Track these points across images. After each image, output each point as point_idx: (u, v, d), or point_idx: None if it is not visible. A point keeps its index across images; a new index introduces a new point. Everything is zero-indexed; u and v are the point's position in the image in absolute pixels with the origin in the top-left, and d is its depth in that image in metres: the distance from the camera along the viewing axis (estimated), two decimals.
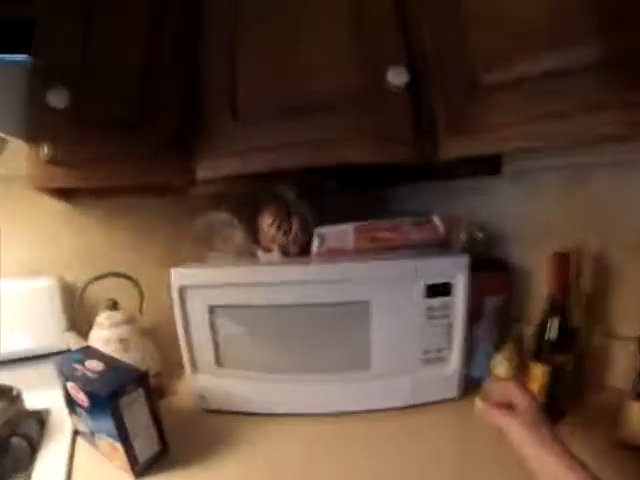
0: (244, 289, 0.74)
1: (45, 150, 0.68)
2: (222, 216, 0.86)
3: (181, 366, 0.81)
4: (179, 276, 0.74)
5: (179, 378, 0.90)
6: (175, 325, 0.78)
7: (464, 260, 0.72)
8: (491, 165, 0.89)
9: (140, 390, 0.62)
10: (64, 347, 0.88)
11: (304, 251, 0.84)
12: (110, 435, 0.61)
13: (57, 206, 0.96)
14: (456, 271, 0.72)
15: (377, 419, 0.75)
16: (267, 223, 0.85)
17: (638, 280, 0.72)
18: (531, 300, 0.89)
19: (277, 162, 0.73)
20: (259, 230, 0.87)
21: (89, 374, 0.64)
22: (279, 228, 0.83)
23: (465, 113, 0.63)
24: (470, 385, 0.79)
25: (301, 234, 0.84)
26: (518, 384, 0.52)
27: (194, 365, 0.78)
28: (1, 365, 0.88)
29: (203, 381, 0.78)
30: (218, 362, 0.77)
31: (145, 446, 0.63)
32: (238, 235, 0.85)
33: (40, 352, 0.91)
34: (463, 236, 0.82)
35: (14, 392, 0.72)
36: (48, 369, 0.82)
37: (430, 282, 0.72)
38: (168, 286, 0.76)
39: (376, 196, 1.14)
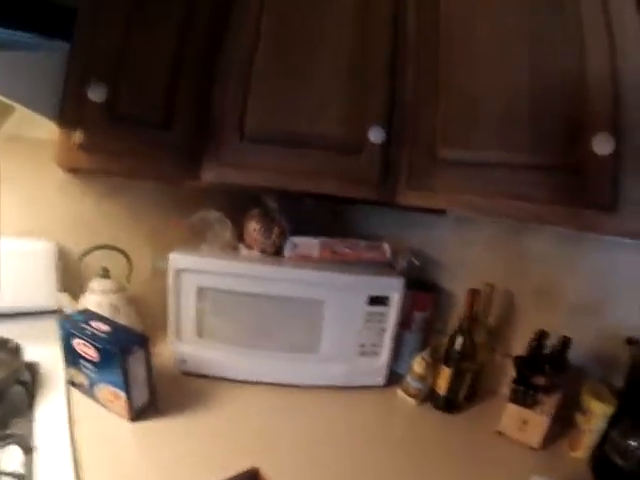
0: (229, 277, 0.92)
1: (77, 137, 0.76)
2: (215, 214, 1.01)
3: (159, 333, 0.97)
4: (177, 260, 0.90)
5: (156, 344, 1.03)
6: (155, 296, 0.95)
7: (400, 281, 0.95)
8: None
9: (141, 351, 0.77)
10: (55, 307, 0.98)
11: (278, 252, 1.02)
12: (115, 384, 0.75)
13: (59, 173, 1.01)
14: (393, 288, 0.95)
15: (318, 393, 0.96)
16: (254, 227, 1.01)
17: (532, 318, 0.97)
18: (452, 318, 1.11)
19: (271, 181, 0.89)
20: (245, 230, 1.03)
21: (98, 333, 0.77)
22: (263, 233, 1.00)
23: (421, 175, 0.83)
24: (394, 378, 1.02)
25: (278, 240, 1.02)
26: None
27: (179, 334, 0.94)
28: None
29: (185, 348, 0.94)
30: (199, 333, 0.94)
31: (140, 395, 0.78)
32: (226, 232, 1.01)
33: (32, 309, 0.98)
34: (404, 261, 1.04)
35: (13, 344, 0.78)
36: (36, 326, 0.95)
37: (372, 294, 0.94)
38: (152, 263, 0.90)
39: (342, 212, 1.34)
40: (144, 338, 0.79)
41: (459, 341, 0.93)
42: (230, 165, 0.90)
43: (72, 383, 0.81)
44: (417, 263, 1.07)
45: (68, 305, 0.97)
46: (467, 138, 0.76)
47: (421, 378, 0.97)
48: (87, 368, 0.78)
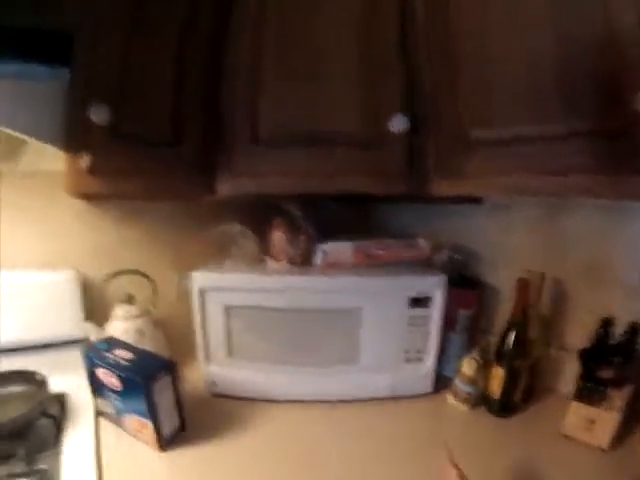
0: (256, 293, 0.86)
1: (84, 161, 0.73)
2: (237, 227, 0.97)
3: (188, 355, 0.92)
4: (200, 279, 0.85)
5: (186, 366, 1.00)
6: (182, 319, 0.90)
7: (442, 279, 0.86)
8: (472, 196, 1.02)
9: (168, 377, 0.73)
10: (81, 336, 0.96)
11: (308, 261, 0.96)
12: (141, 414, 0.71)
13: (75, 204, 1.01)
14: (435, 287, 0.86)
15: (361, 407, 0.88)
16: (280, 238, 0.96)
17: (586, 302, 0.88)
18: (498, 314, 1.03)
19: (291, 186, 0.83)
20: (270, 242, 0.98)
21: (121, 361, 0.73)
22: (289, 243, 0.94)
23: (451, 161, 0.75)
24: (441, 382, 0.94)
25: (306, 248, 0.96)
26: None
27: (208, 355, 0.89)
28: (21, 352, 0.93)
29: (215, 369, 0.89)
30: (229, 353, 0.89)
31: (169, 423, 0.74)
32: (250, 245, 0.96)
33: (58, 340, 0.97)
34: (444, 257, 0.95)
35: (39, 377, 0.77)
36: (63, 356, 0.94)
37: (413, 295, 0.86)
38: (177, 284, 0.86)
39: (369, 211, 1.27)
40: (170, 363, 0.75)
41: (511, 337, 0.84)
42: (245, 174, 0.84)
43: (100, 413, 0.79)
44: (459, 257, 0.98)
45: (94, 334, 0.94)
46: (494, 115, 0.69)
47: (472, 381, 0.88)
48: (113, 398, 0.75)
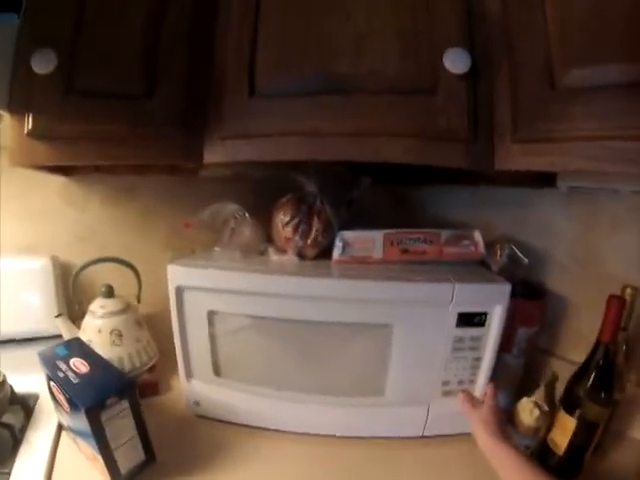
0: (250, 297, 0.65)
1: (29, 122, 0.59)
2: (231, 207, 0.75)
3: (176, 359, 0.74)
4: (177, 274, 0.66)
5: (175, 374, 0.82)
6: None
7: (505, 288, 0.62)
8: (542, 177, 0.77)
9: (124, 402, 0.56)
10: (56, 332, 0.82)
11: (324, 253, 0.74)
12: (91, 445, 0.55)
13: (55, 180, 0.89)
14: (495, 301, 0.62)
15: (385, 447, 0.68)
16: (283, 221, 0.73)
17: None
18: (563, 333, 0.80)
19: (299, 151, 0.61)
20: (273, 227, 0.76)
21: (71, 377, 0.57)
22: (297, 228, 0.72)
23: (536, 117, 0.52)
24: None
25: (322, 237, 0.73)
26: (491, 389, 0.62)
27: (189, 371, 0.71)
28: None
29: (198, 388, 0.71)
30: (216, 371, 0.70)
31: (128, 457, 0.58)
32: (247, 230, 0.75)
33: (30, 335, 0.86)
34: (503, 256, 0.71)
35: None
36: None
37: (464, 310, 0.62)
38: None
39: (402, 195, 1.03)
40: (128, 384, 0.57)
41: (597, 374, 0.59)
42: (240, 136, 0.63)
43: (63, 426, 0.66)
44: (523, 259, 0.73)
45: (67, 331, 0.79)
46: (595, 48, 0.47)
47: (533, 432, 0.65)
48: (65, 417, 0.61)
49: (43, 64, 0.56)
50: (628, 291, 0.61)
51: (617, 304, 0.58)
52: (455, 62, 0.53)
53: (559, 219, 0.80)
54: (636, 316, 0.65)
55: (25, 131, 0.59)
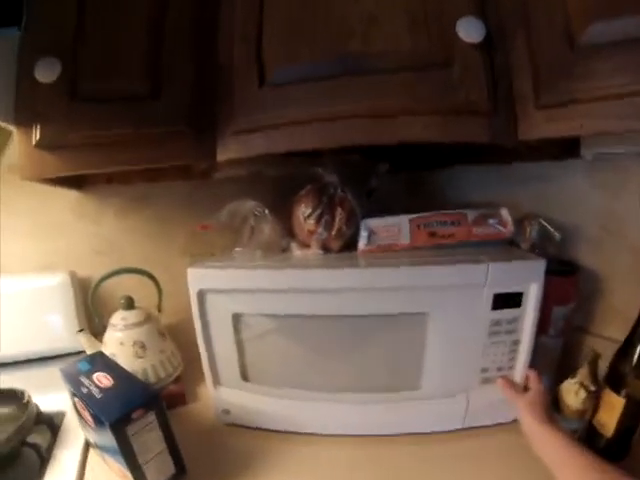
0: (275, 295, 0.63)
1: (36, 133, 0.58)
2: (249, 204, 0.73)
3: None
4: (197, 277, 0.64)
5: (202, 383, 0.80)
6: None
7: (540, 265, 0.58)
8: (564, 147, 0.73)
9: (150, 414, 0.53)
10: (79, 347, 0.81)
11: (348, 246, 0.72)
12: (118, 461, 0.53)
13: (68, 195, 0.89)
14: (530, 279, 0.59)
15: (425, 443, 0.65)
16: (305, 213, 0.70)
17: None
18: (599, 309, 0.75)
19: (318, 138, 0.58)
20: (294, 221, 0.73)
21: (95, 392, 0.55)
22: (319, 220, 0.69)
23: (558, 80, 0.48)
24: None
25: (346, 227, 0.71)
26: (534, 373, 0.62)
27: (216, 378, 0.69)
28: (14, 366, 0.84)
29: (226, 395, 0.69)
30: (244, 376, 0.68)
31: (158, 472, 0.56)
32: (267, 227, 0.72)
33: (53, 353, 0.85)
34: (533, 233, 0.67)
35: (24, 398, 0.66)
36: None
37: (500, 291, 0.59)
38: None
39: (420, 180, 1.00)
40: (153, 397, 0.55)
41: (637, 352, 0.55)
42: (252, 129, 0.61)
43: (90, 444, 0.64)
44: (556, 234, 0.69)
45: (89, 346, 0.78)
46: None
47: (579, 415, 0.61)
48: (92, 434, 0.59)
49: (47, 73, 0.56)
50: None
51: None
52: (469, 31, 0.51)
53: (585, 190, 0.75)
54: None
55: (33, 142, 0.58)
